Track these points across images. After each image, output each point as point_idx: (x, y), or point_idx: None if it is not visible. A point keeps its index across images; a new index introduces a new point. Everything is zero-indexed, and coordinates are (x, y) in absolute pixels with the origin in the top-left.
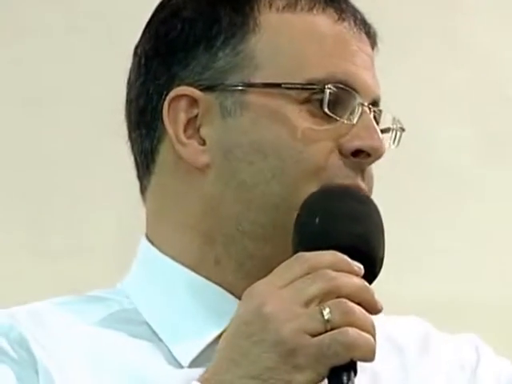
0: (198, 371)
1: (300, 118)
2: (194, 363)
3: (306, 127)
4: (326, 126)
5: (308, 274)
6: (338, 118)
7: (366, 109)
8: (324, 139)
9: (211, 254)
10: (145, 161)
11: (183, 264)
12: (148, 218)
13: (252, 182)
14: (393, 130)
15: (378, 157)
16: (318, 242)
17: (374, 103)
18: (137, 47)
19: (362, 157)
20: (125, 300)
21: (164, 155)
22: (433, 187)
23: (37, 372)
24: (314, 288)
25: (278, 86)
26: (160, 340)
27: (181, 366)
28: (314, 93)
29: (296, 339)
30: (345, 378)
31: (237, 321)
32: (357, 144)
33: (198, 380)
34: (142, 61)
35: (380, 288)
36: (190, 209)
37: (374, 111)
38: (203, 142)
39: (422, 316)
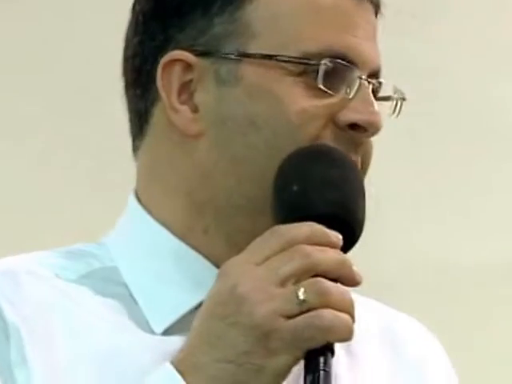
0: (171, 340)
1: (295, 92)
2: (168, 331)
3: (301, 101)
4: (322, 100)
5: (284, 249)
6: (332, 94)
7: (365, 82)
8: (319, 113)
9: (200, 224)
10: (138, 121)
11: (171, 230)
12: (139, 176)
13: (244, 154)
14: (393, 99)
15: (374, 132)
16: (296, 212)
17: (374, 74)
18: (134, 4)
19: (358, 131)
20: (107, 256)
21: (157, 118)
22: (493, 149)
23: (7, 337)
24: (289, 267)
25: (273, 57)
26: (136, 304)
27: (154, 333)
28: (310, 66)
29: (270, 322)
30: (321, 361)
31: (212, 300)
32: (353, 118)
33: (172, 361)
34: (140, 19)
35: (439, 256)
36: (183, 175)
37: (373, 83)
38: (196, 109)
39: (482, 281)
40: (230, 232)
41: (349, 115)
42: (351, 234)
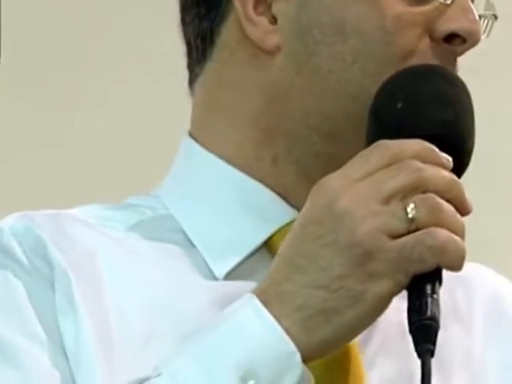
0: (235, 284)
1: None
2: (231, 275)
3: (395, 7)
4: (418, 7)
5: (390, 164)
6: None
7: None
8: (415, 21)
9: (269, 152)
10: (201, 44)
11: (235, 164)
12: (195, 113)
13: (329, 67)
14: (485, 16)
15: (474, 43)
16: (401, 131)
17: None
18: None
19: (456, 43)
20: (160, 206)
21: (226, 36)
22: None
23: (52, 285)
24: (396, 181)
25: None
26: (195, 248)
27: (215, 278)
28: None
29: (374, 241)
30: (428, 289)
31: (303, 219)
32: (451, 26)
33: (254, 292)
34: None
35: None
36: (251, 99)
37: None
38: (274, 21)
39: None
40: (303, 159)
41: (447, 24)
42: (461, 162)
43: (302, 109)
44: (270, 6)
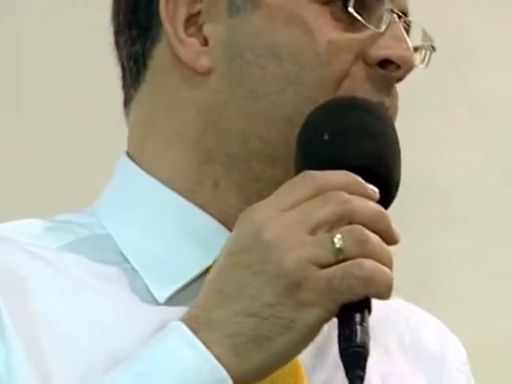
0: (177, 310)
1: (322, 21)
2: (172, 301)
3: (329, 31)
4: (352, 34)
5: (316, 195)
6: (364, 22)
7: (396, 16)
8: (347, 47)
9: (210, 177)
10: (134, 66)
11: (174, 188)
12: (131, 134)
13: (263, 90)
14: (423, 48)
15: (408, 69)
16: (327, 163)
17: (405, 13)
18: None
19: (390, 69)
20: (96, 224)
21: (159, 59)
22: None
23: None
24: (323, 212)
25: None
26: (134, 271)
27: (157, 303)
28: None
29: (301, 271)
30: (358, 317)
31: (231, 247)
32: (385, 52)
33: (183, 318)
34: None
35: None
36: (190, 121)
37: (405, 21)
38: (205, 43)
39: None
40: (243, 182)
41: (381, 50)
42: (386, 195)
43: (239, 132)
44: (201, 28)
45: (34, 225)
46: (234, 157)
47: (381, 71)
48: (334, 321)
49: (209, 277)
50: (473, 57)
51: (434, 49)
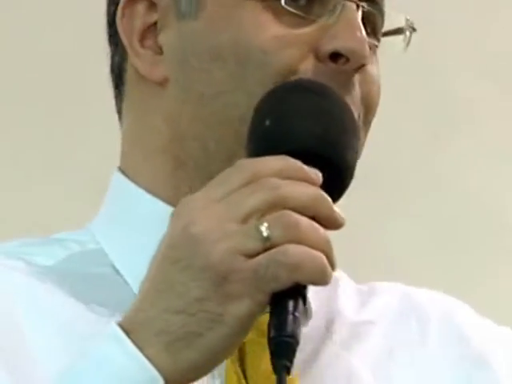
0: None
1: (263, 18)
2: None
3: (272, 28)
4: (299, 29)
5: (249, 183)
6: (302, 15)
7: (351, 4)
8: (295, 41)
9: (184, 181)
10: (115, 81)
11: (157, 196)
12: (122, 147)
13: (211, 93)
14: (404, 30)
15: (358, 61)
16: (270, 149)
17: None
18: None
19: (340, 62)
20: (90, 240)
21: (129, 72)
22: None
23: None
24: (252, 200)
25: None
26: (126, 283)
27: None
28: None
29: (228, 262)
30: (290, 306)
31: (163, 244)
32: (334, 45)
33: (120, 321)
34: None
35: None
36: (158, 130)
37: (363, 7)
38: (160, 52)
39: None
40: None
41: (330, 42)
42: (338, 177)
43: (196, 137)
44: (157, 38)
45: (23, 244)
46: (197, 161)
47: (331, 65)
48: None
49: (145, 275)
50: None
51: (414, 29)
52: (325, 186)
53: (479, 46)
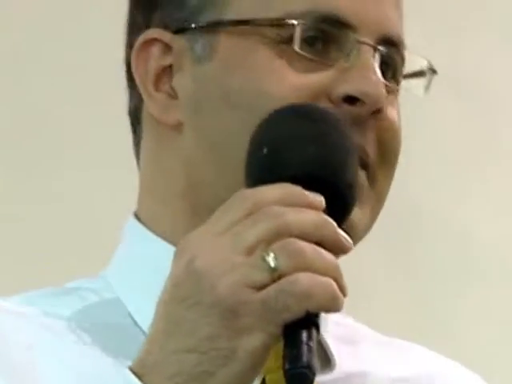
0: None
1: (277, 63)
2: None
3: (285, 73)
4: (315, 74)
5: (250, 214)
6: (315, 59)
7: (367, 47)
8: (310, 88)
9: None
10: (132, 124)
11: (173, 243)
12: (139, 192)
13: (222, 140)
14: (426, 73)
15: (374, 105)
16: (268, 177)
17: (388, 42)
18: None
19: (357, 105)
20: (106, 289)
21: (145, 115)
22: None
23: None
24: (256, 230)
25: (248, 22)
26: (144, 334)
27: None
28: (289, 29)
29: (236, 295)
30: (304, 336)
31: (168, 284)
32: (346, 89)
33: (132, 365)
34: (128, 9)
35: None
36: (174, 175)
37: (382, 51)
38: (175, 95)
39: None
40: None
41: (343, 86)
42: (339, 199)
43: (210, 183)
44: (171, 81)
45: (39, 295)
46: (210, 210)
47: (345, 107)
48: None
49: (154, 316)
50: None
51: (434, 72)
52: (328, 209)
53: None
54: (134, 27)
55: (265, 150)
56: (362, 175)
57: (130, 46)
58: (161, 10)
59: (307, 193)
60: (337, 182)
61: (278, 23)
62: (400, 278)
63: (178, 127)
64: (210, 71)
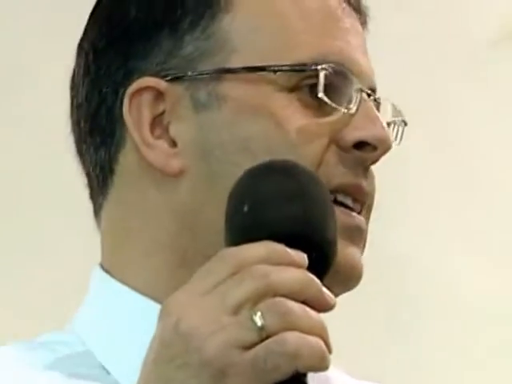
0: None
1: (291, 109)
2: None
3: (298, 119)
4: (322, 118)
5: (235, 273)
6: (334, 105)
7: (365, 95)
8: (320, 133)
9: (188, 280)
10: (101, 174)
11: (150, 295)
12: (104, 244)
13: None
14: (394, 123)
15: (385, 149)
16: (251, 235)
17: (374, 91)
18: (81, 42)
19: (366, 150)
20: (76, 342)
21: (125, 164)
22: None
23: None
24: (242, 290)
25: (261, 69)
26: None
27: None
28: (306, 77)
29: (225, 356)
30: None
31: (154, 343)
32: (358, 135)
33: None
34: (91, 57)
35: None
36: (162, 225)
37: (375, 99)
38: (174, 144)
39: None
40: None
41: (354, 133)
42: (321, 256)
43: (217, 232)
44: (167, 128)
45: (13, 349)
46: (207, 256)
47: (357, 153)
48: None
49: (139, 376)
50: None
51: (405, 123)
52: (311, 267)
53: None
54: (109, 76)
55: (245, 208)
56: (363, 219)
57: (98, 93)
58: (150, 59)
59: (290, 251)
60: (318, 238)
61: (301, 69)
62: (382, 330)
63: (177, 176)
64: (219, 119)
